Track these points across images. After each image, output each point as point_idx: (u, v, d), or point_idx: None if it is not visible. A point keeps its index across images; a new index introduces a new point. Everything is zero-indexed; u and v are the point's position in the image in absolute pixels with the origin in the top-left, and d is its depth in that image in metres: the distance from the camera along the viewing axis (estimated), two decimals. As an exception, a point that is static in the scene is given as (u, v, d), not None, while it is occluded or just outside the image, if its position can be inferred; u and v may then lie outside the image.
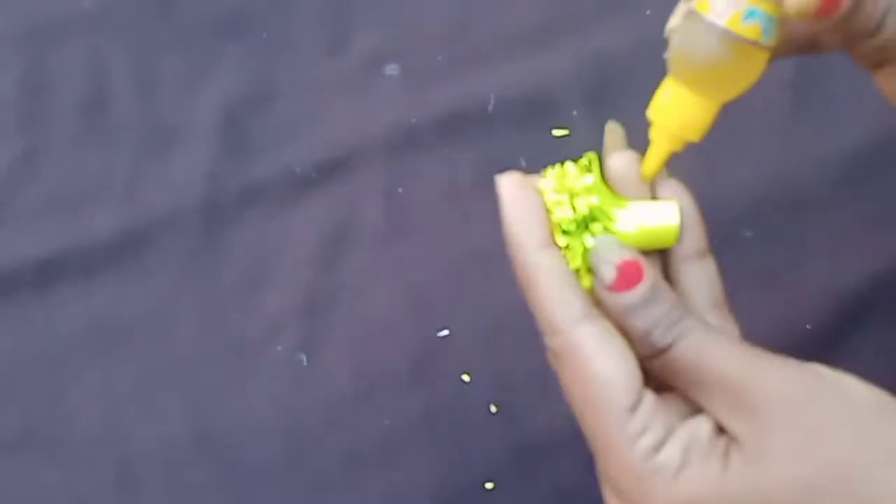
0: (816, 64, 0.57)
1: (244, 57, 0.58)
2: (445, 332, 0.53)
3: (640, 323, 0.34)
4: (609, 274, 0.35)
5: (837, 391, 0.32)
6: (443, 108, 0.56)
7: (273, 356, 0.53)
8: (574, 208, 0.36)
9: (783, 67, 0.56)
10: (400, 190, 0.55)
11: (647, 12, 0.57)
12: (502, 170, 0.54)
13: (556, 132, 0.56)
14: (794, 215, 0.54)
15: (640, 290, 0.34)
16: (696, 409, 0.35)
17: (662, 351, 0.34)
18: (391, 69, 0.57)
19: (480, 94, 0.56)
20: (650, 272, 0.35)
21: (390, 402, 0.52)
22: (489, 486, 0.51)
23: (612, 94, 0.55)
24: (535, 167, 0.54)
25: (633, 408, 0.33)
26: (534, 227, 0.36)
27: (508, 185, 0.37)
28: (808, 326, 0.52)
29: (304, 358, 0.53)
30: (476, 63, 0.57)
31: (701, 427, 0.34)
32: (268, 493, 0.51)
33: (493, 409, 0.52)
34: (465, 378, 0.52)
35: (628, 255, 0.35)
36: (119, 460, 0.52)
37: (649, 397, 0.34)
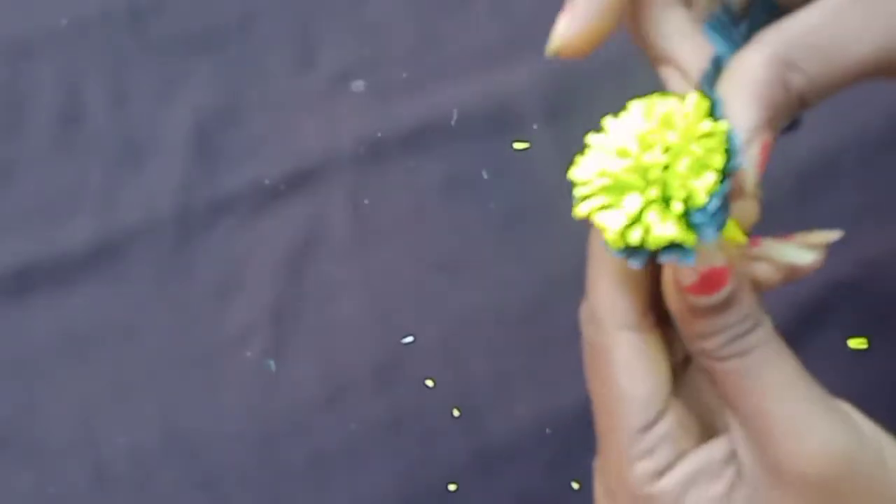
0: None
1: (214, 72, 0.59)
2: (410, 339, 0.53)
3: (700, 327, 0.31)
4: (689, 279, 0.30)
5: (878, 475, 0.30)
6: (407, 123, 0.57)
7: (243, 362, 0.53)
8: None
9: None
10: (366, 201, 0.56)
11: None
12: (465, 181, 0.55)
13: (517, 145, 0.56)
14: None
15: (715, 298, 0.30)
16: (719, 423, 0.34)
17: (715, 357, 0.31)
18: (357, 85, 0.58)
19: (444, 109, 0.57)
20: (734, 277, 0.31)
21: (356, 406, 0.52)
22: (452, 487, 0.51)
23: (571, 109, 0.56)
24: (497, 179, 0.56)
25: (646, 429, 0.32)
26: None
27: None
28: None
29: (273, 364, 0.53)
30: (439, 79, 0.58)
31: (715, 452, 0.32)
32: (237, 495, 0.52)
33: (455, 413, 0.52)
34: (429, 383, 0.53)
35: (719, 263, 0.31)
36: (93, 463, 0.52)
37: (669, 419, 0.32)
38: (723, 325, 0.31)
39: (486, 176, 0.56)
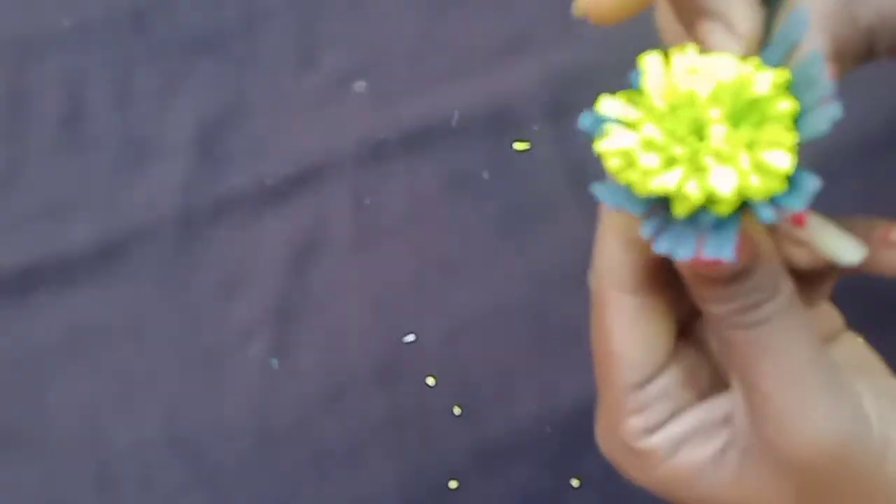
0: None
1: (217, 73, 0.59)
2: (411, 338, 0.54)
3: (709, 295, 0.29)
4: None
5: (871, 472, 0.28)
6: (409, 123, 0.57)
7: (246, 361, 0.54)
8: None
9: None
10: (367, 201, 0.56)
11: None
12: (466, 181, 0.56)
13: (518, 146, 0.56)
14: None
15: (722, 271, 0.28)
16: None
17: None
18: (359, 85, 0.58)
19: (445, 110, 0.57)
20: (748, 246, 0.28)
21: (358, 404, 0.53)
22: (453, 485, 0.51)
23: (571, 109, 0.55)
24: (497, 179, 0.56)
25: (637, 388, 0.31)
26: None
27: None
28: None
29: (276, 362, 0.54)
30: (440, 80, 0.58)
31: (714, 411, 0.31)
32: (240, 492, 0.52)
33: (456, 411, 0.52)
34: (430, 381, 0.53)
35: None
36: (97, 461, 0.52)
37: (664, 380, 0.31)
38: (734, 295, 0.28)
39: (486, 176, 0.56)
